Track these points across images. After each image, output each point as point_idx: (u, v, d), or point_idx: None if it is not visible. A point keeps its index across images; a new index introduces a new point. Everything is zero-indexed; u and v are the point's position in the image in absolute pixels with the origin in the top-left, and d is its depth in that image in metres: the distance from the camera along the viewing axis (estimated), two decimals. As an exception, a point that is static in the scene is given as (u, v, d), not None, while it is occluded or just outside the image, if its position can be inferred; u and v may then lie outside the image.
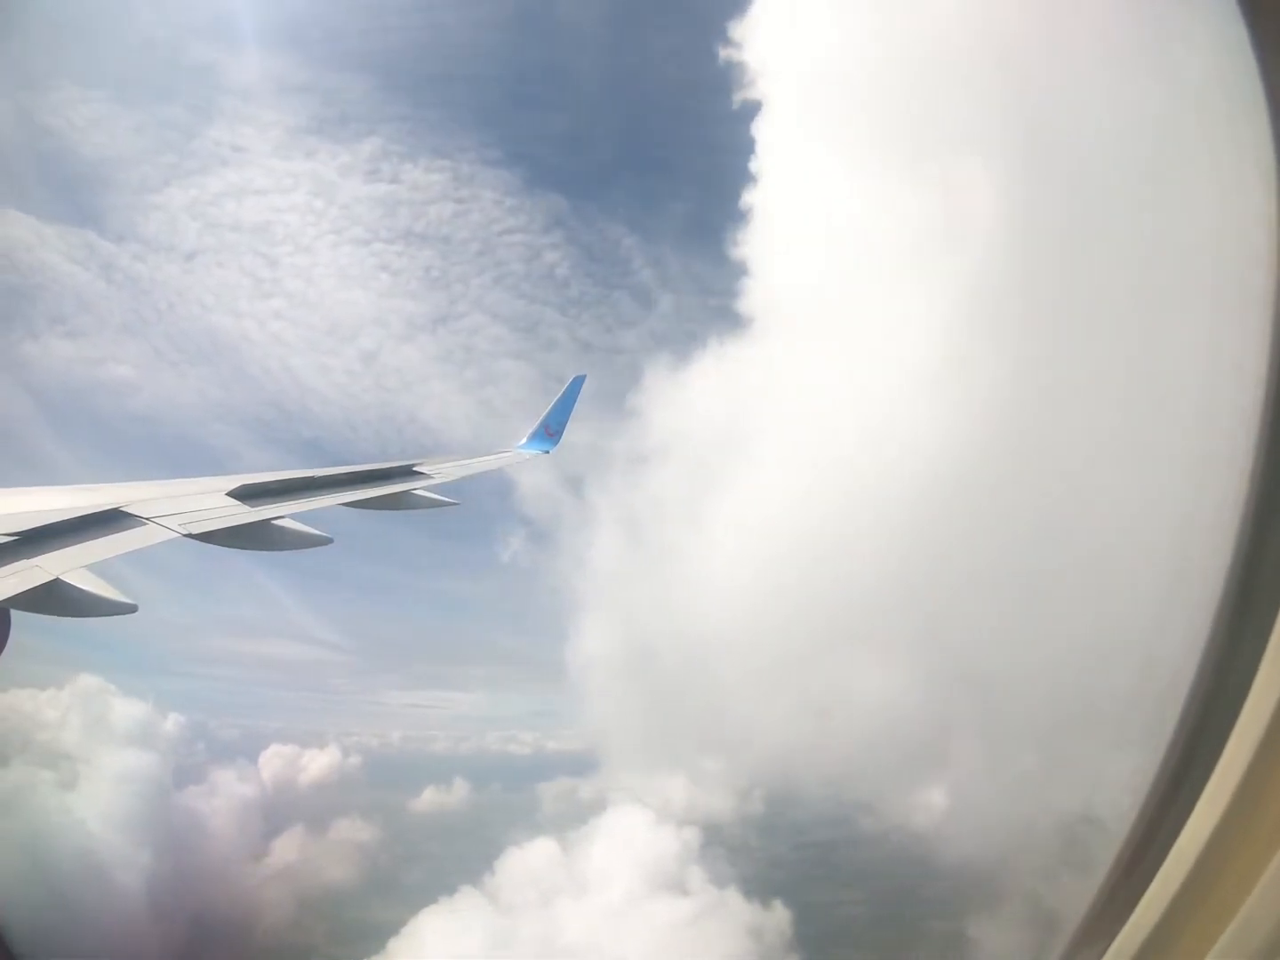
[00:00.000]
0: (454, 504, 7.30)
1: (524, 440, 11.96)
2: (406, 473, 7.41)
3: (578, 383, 12.79)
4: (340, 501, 6.23)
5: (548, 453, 11.85)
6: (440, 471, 7.83)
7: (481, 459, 10.04)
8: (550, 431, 12.14)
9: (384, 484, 6.87)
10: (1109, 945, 2.10)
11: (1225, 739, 1.96)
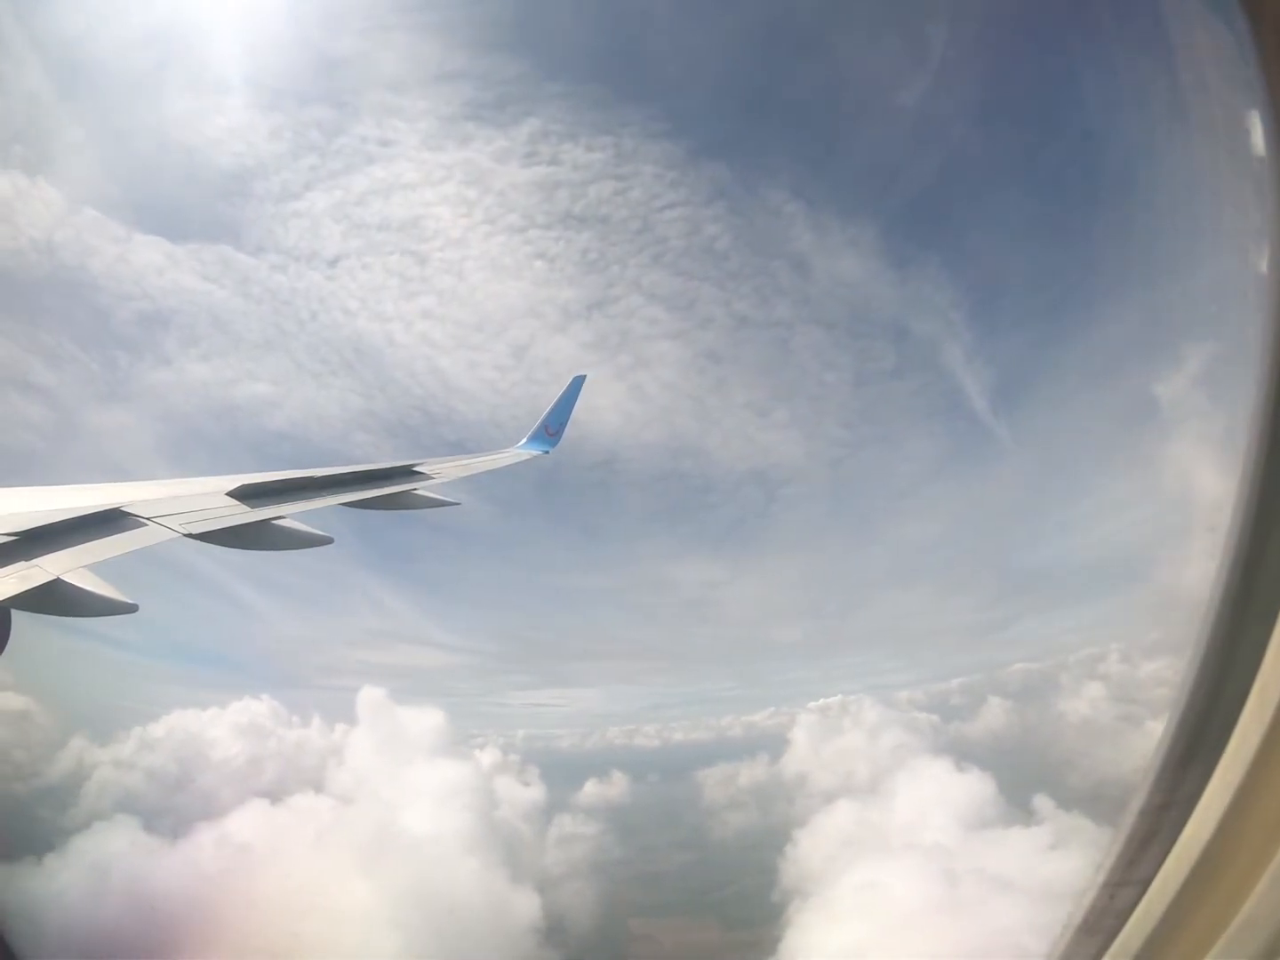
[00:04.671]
0: (454, 504, 7.30)
1: (524, 440, 11.95)
2: (406, 473, 7.41)
3: (578, 383, 12.78)
4: (340, 501, 6.22)
5: (547, 453, 11.83)
6: (440, 471, 7.83)
7: (481, 459, 10.03)
8: (551, 431, 12.13)
9: (384, 484, 6.86)
10: (1109, 945, 2.10)
11: (1225, 739, 1.96)
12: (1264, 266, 2.02)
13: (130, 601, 3.97)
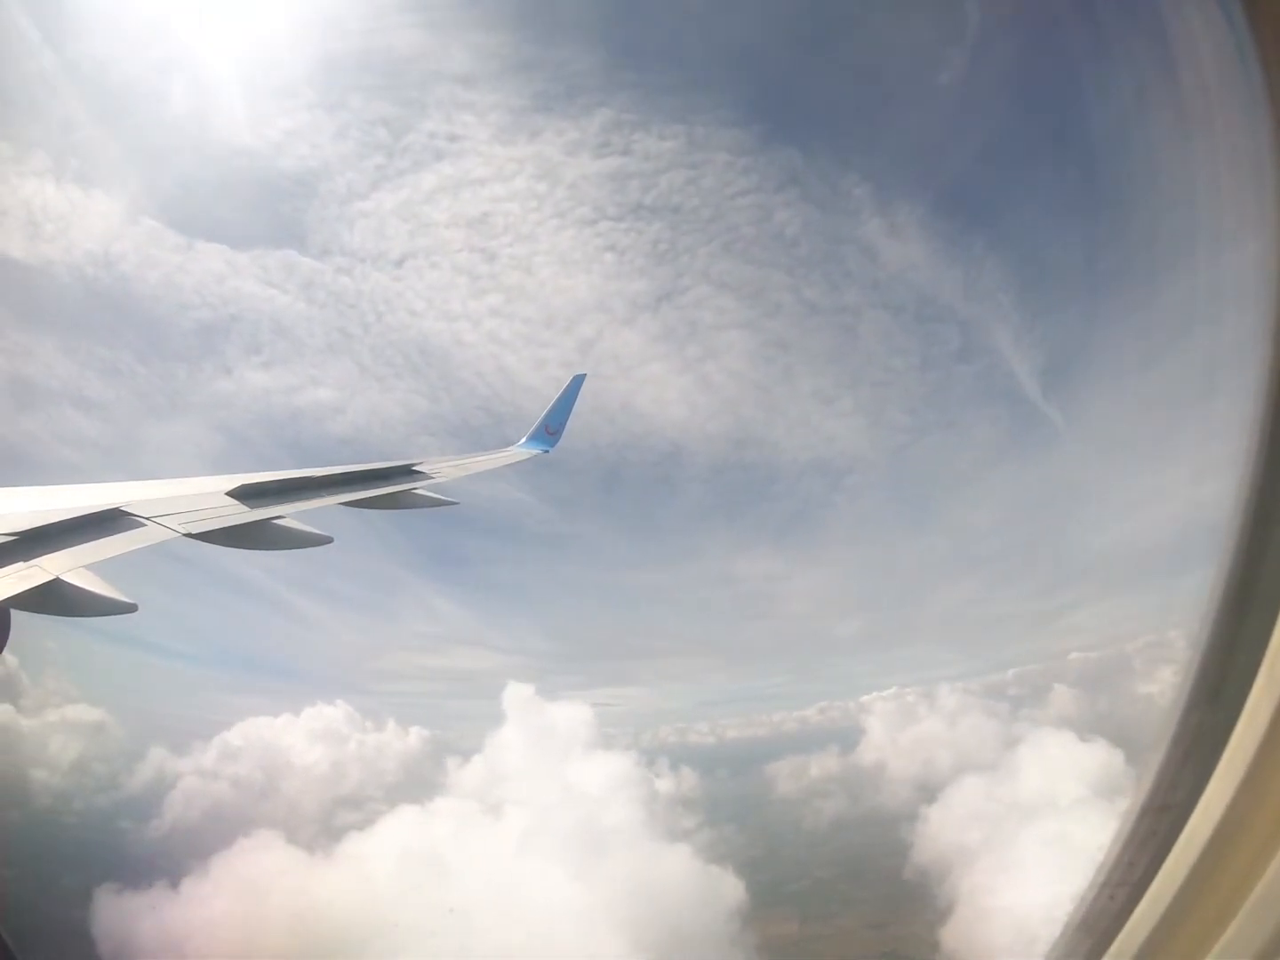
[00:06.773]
0: (453, 504, 7.29)
1: (524, 439, 11.96)
2: (406, 472, 7.41)
3: (578, 381, 12.79)
4: (339, 501, 6.22)
5: (547, 452, 11.84)
6: (439, 471, 7.83)
7: (481, 458, 10.03)
8: (550, 430, 12.13)
9: (383, 483, 6.86)
10: (1109, 945, 2.10)
11: (1225, 739, 1.96)
12: (1265, 265, 2.02)
13: (130, 601, 3.97)
